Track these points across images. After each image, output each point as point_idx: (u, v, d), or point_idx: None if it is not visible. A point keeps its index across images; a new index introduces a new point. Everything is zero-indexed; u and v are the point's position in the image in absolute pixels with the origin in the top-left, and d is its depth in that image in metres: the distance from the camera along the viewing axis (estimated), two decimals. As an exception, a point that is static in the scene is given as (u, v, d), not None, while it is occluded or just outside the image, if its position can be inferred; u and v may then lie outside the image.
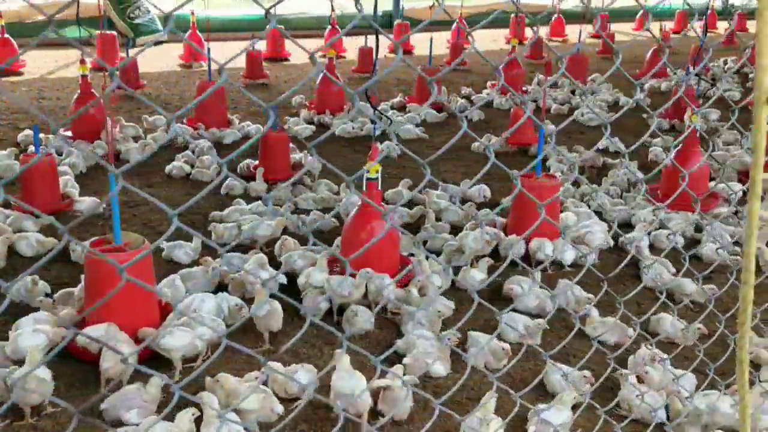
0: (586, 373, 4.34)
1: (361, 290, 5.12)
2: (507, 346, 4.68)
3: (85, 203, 6.89)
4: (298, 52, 15.88)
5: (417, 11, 19.60)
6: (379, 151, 5.63)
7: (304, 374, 4.23)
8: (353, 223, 5.66)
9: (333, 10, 16.16)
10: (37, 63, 13.85)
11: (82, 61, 8.93)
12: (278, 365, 4.26)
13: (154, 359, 4.41)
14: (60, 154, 8.20)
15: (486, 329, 5.08)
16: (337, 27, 16.36)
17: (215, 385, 4.07)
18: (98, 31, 14.11)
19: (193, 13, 15.05)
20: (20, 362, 4.27)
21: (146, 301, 4.66)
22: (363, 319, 5.02)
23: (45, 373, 4.02)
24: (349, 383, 3.96)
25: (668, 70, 13.93)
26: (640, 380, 4.43)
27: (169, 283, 5.21)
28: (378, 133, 9.24)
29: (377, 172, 5.60)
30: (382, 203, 6.17)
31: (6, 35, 13.39)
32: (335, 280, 5.11)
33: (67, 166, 7.78)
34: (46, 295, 5.23)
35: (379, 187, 5.70)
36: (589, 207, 7.23)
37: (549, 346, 4.74)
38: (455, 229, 6.69)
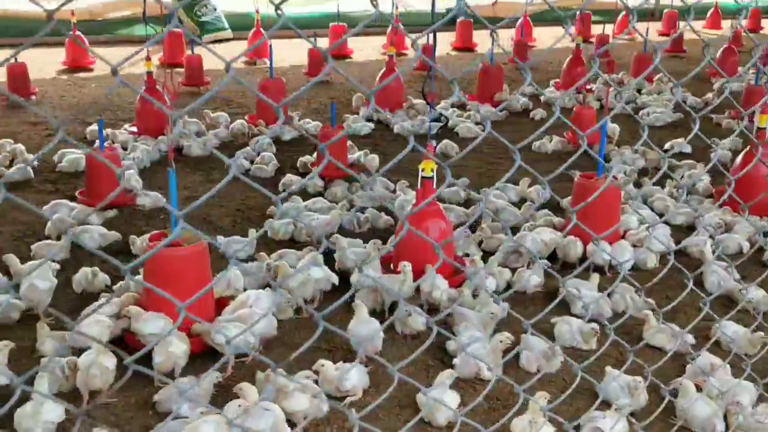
0: (639, 379, 4.22)
1: (410, 287, 5.09)
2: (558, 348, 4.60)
3: (147, 198, 7.04)
4: (361, 49, 15.96)
5: (481, 9, 19.42)
6: (434, 149, 5.59)
7: (356, 373, 4.23)
8: (408, 221, 5.61)
9: (396, 7, 16.16)
10: (107, 59, 14.22)
11: (148, 58, 9.12)
12: (329, 363, 4.27)
13: (207, 353, 4.48)
14: (125, 149, 8.41)
15: (540, 333, 4.99)
16: (401, 25, 16.35)
17: (266, 379, 4.10)
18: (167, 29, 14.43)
19: (257, 11, 15.23)
20: (81, 350, 4.39)
21: (203, 295, 4.73)
22: (414, 319, 4.99)
23: (109, 362, 4.12)
24: (367, 327, 4.57)
25: (739, 69, 13.46)
26: (698, 388, 4.28)
27: (225, 277, 5.28)
28: (435, 131, 9.21)
29: (432, 170, 5.56)
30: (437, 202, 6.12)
31: (78, 32, 13.79)
32: (386, 279, 5.09)
33: (132, 160, 7.97)
34: (107, 286, 5.38)
35: (435, 186, 5.65)
36: (652, 209, 7.04)
37: (604, 351, 4.63)
38: (512, 230, 6.61)
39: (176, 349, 4.28)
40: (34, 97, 11.08)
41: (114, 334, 4.59)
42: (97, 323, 4.49)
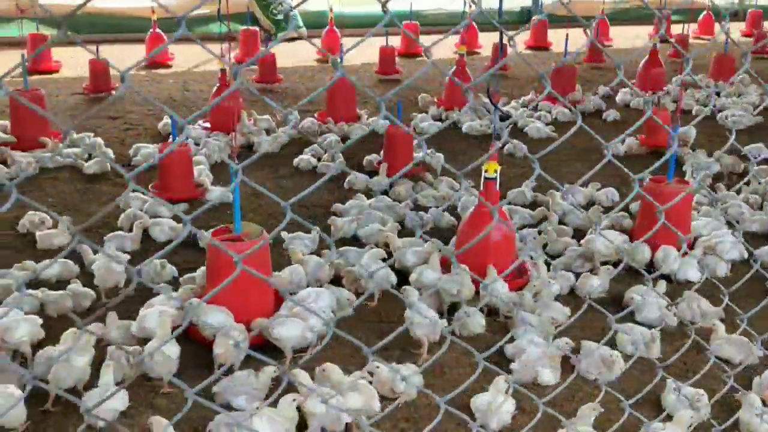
0: (701, 392, 4.09)
1: (469, 289, 5.06)
2: (616, 354, 4.50)
3: (215, 192, 7.20)
4: (435, 48, 15.89)
5: (558, 7, 19.11)
6: (497, 148, 5.53)
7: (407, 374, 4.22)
8: (469, 222, 5.60)
9: (469, 5, 16.07)
10: (185, 56, 14.60)
11: (222, 56, 9.31)
12: (383, 365, 4.27)
13: (265, 347, 4.56)
14: (197, 144, 8.62)
15: (601, 339, 4.89)
16: (474, 23, 16.25)
17: (322, 375, 4.14)
18: (242, 27, 14.73)
19: (331, 10, 15.36)
20: (145, 341, 4.53)
21: (262, 290, 4.81)
22: (473, 321, 4.97)
23: (172, 351, 4.24)
24: (427, 314, 4.64)
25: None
26: (765, 403, 4.13)
27: (288, 273, 5.35)
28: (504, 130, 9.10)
29: (496, 171, 5.51)
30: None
31: (158, 30, 14.19)
32: (444, 279, 5.08)
33: (203, 155, 8.16)
34: (174, 278, 5.53)
35: (497, 187, 5.60)
36: (726, 216, 6.80)
37: (666, 359, 4.51)
38: (578, 233, 6.49)
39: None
40: (114, 92, 11.46)
41: (177, 324, 4.71)
42: (160, 314, 4.61)
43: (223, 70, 9.29)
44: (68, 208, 7.09)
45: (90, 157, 8.27)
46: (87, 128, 9.21)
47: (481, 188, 5.59)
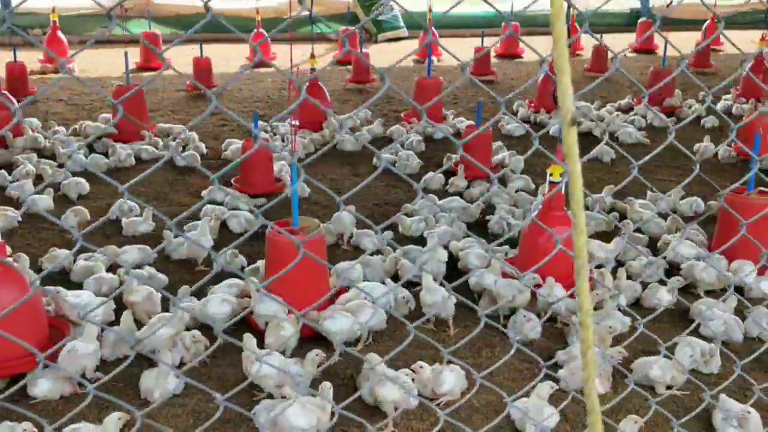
0: (748, 408, 3.90)
1: (526, 296, 5.01)
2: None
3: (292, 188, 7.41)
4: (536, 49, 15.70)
5: (669, 9, 18.45)
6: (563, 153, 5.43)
7: (449, 375, 4.24)
8: (532, 227, 5.54)
9: (570, 7, 15.75)
10: (288, 56, 15.02)
11: (312, 56, 9.56)
12: (426, 365, 4.29)
13: (318, 338, 4.68)
14: (284, 141, 8.90)
15: (660, 350, 4.73)
16: (576, 25, 15.92)
17: (366, 368, 4.21)
18: (342, 27, 15.03)
19: (430, 10, 15.43)
20: (205, 327, 4.75)
21: (317, 282, 4.94)
22: (529, 327, 4.91)
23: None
24: (436, 295, 4.89)
25: None
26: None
27: (347, 268, 5.46)
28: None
29: (561, 175, 5.42)
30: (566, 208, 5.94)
31: (261, 30, 14.69)
32: (500, 284, 5.05)
33: (287, 152, 8.40)
34: (242, 268, 5.75)
35: (563, 191, 5.50)
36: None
37: (726, 377, 4.32)
38: (653, 242, 6.31)
39: (287, 332, 4.51)
40: (214, 89, 11.96)
41: (237, 312, 4.91)
42: (222, 302, 4.82)
43: (312, 69, 9.53)
44: (157, 197, 7.48)
45: (184, 150, 8.69)
46: (185, 123, 9.67)
47: (546, 192, 5.51)
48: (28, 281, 4.34)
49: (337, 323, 4.56)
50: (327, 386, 3.90)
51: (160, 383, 4.16)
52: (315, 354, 4.22)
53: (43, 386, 4.15)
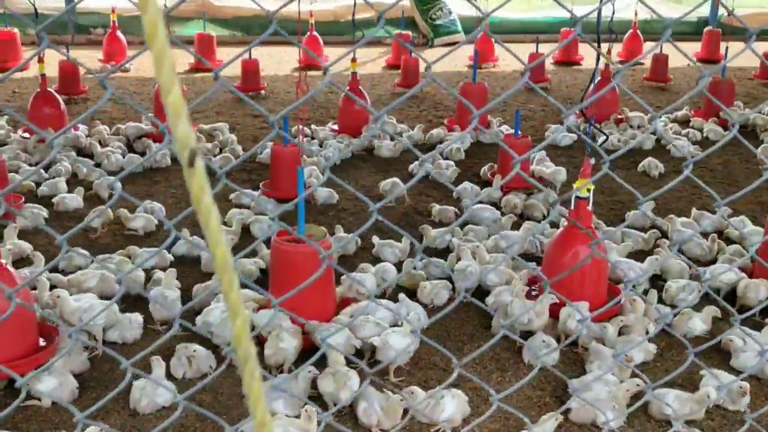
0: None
1: (544, 319, 4.71)
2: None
3: (322, 193, 7.24)
4: (592, 56, 15.23)
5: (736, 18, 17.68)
6: (590, 167, 5.13)
7: (450, 401, 3.99)
8: (556, 243, 5.24)
9: (636, 14, 15.27)
10: (343, 60, 14.97)
11: (353, 60, 9.42)
12: (419, 391, 4.05)
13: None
14: (321, 146, 8.77)
15: (689, 384, 4.40)
16: (638, 32, 15.42)
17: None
18: (397, 31, 14.86)
19: (484, 15, 15.15)
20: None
21: (323, 293, 4.77)
22: (546, 351, 4.62)
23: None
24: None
25: None
26: None
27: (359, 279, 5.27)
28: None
29: (589, 191, 5.11)
30: (593, 225, 5.61)
31: (314, 33, 14.63)
32: (516, 305, 4.77)
33: (322, 157, 8.25)
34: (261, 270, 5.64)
35: (590, 207, 5.19)
36: None
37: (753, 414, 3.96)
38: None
39: (287, 344, 4.35)
40: (263, 92, 11.93)
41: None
42: (222, 312, 4.69)
43: (353, 73, 9.38)
44: (186, 199, 7.43)
45: (221, 151, 8.64)
46: (229, 125, 9.63)
47: (572, 208, 5.22)
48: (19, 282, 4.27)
49: (334, 338, 4.37)
50: (312, 411, 3.71)
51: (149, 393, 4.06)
52: (308, 371, 4.05)
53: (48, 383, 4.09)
